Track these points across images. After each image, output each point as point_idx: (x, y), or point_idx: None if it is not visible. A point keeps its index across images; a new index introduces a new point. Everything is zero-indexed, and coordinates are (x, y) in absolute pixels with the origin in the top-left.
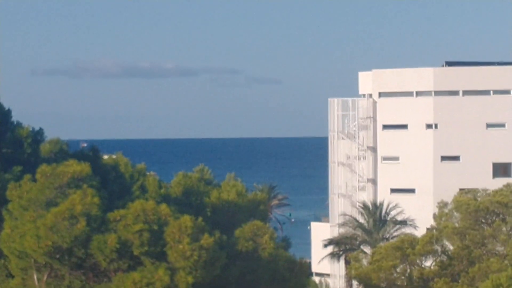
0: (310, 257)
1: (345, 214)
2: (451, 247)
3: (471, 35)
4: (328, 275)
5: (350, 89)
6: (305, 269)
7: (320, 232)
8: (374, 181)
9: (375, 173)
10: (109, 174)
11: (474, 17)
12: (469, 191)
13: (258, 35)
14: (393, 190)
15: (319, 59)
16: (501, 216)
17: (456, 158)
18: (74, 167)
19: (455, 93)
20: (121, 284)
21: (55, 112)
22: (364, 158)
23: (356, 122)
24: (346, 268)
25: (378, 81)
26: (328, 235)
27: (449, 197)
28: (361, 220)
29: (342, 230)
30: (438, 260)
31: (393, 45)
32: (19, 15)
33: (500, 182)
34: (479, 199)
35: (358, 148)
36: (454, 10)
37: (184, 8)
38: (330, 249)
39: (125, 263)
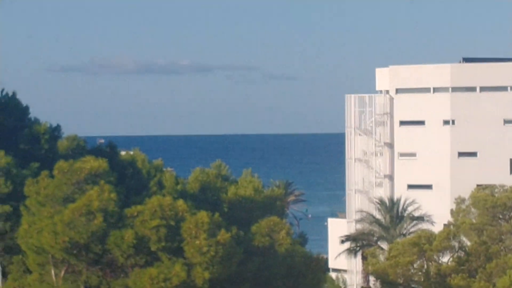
0: (327, 253)
1: (362, 210)
2: (469, 243)
3: (488, 31)
4: (345, 271)
5: (367, 86)
6: (321, 265)
7: (337, 228)
8: (391, 177)
9: (392, 169)
10: (126, 170)
11: (492, 13)
12: (486, 187)
13: (274, 32)
14: (410, 186)
15: (335, 56)
16: None
17: (473, 154)
18: (92, 163)
19: (472, 89)
20: (138, 279)
21: (72, 109)
22: (381, 154)
23: (373, 118)
24: (363, 264)
25: (395, 77)
26: (345, 231)
27: (466, 193)
28: (378, 216)
29: (359, 226)
30: (455, 256)
31: (410, 41)
32: (35, 12)
33: None
34: (496, 195)
35: (375, 144)
36: (472, 6)
37: (200, 5)
38: (347, 245)
39: (142, 258)
